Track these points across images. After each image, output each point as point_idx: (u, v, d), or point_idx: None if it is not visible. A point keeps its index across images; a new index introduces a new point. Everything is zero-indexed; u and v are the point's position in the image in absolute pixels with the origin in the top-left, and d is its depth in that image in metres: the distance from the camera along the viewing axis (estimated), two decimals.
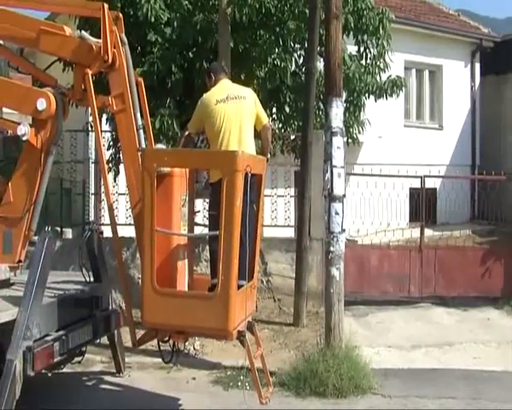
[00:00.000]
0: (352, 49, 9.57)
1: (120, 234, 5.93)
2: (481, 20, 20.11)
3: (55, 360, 5.23)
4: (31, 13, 5.89)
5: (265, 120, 5.66)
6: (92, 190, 10.83)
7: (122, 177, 7.31)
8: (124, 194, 7.46)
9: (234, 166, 4.67)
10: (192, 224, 5.63)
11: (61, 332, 5.28)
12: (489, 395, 6.06)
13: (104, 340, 6.44)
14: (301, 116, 8.82)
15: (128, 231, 6.66)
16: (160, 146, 6.25)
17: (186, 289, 5.32)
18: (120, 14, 5.60)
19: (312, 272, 8.74)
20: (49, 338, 5.11)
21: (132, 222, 5.50)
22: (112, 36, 5.34)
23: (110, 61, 5.33)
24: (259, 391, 5.17)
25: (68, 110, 5.88)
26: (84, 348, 6.15)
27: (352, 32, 9.18)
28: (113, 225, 5.55)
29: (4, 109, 6.73)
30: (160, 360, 5.86)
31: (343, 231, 6.56)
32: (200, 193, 5.74)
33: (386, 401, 5.95)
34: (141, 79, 6.00)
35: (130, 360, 6.73)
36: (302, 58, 9.39)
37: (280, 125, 9.48)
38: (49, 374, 6.17)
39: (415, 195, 10.71)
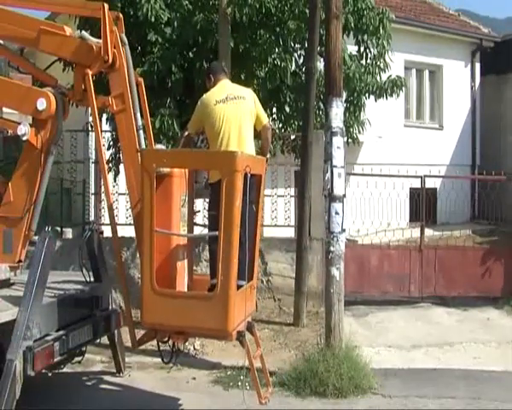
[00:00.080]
0: (352, 49, 9.57)
1: (120, 234, 5.94)
2: (481, 20, 20.11)
3: (55, 359, 5.23)
4: (31, 12, 5.89)
5: (265, 120, 5.66)
6: (92, 190, 10.83)
7: (122, 177, 7.31)
8: (124, 194, 7.45)
9: (233, 167, 4.67)
10: (192, 224, 5.63)
11: (61, 332, 5.28)
12: (489, 395, 6.05)
13: (104, 340, 6.44)
14: (301, 116, 8.82)
15: (128, 231, 6.66)
16: (160, 146, 6.25)
17: (185, 289, 5.32)
18: (120, 15, 5.60)
19: (312, 272, 8.75)
20: (49, 338, 5.11)
21: (132, 222, 5.50)
22: (112, 36, 5.34)
23: (110, 61, 5.33)
24: (259, 391, 5.18)
25: (68, 110, 5.88)
26: (84, 348, 6.14)
27: (352, 32, 9.18)
28: (113, 225, 5.56)
29: (4, 109, 6.72)
30: (160, 359, 5.85)
31: (343, 230, 6.55)
32: (200, 193, 5.74)
33: (387, 400, 5.95)
34: (141, 79, 6.01)
35: (130, 360, 6.73)
36: (302, 58, 9.39)
37: (280, 125, 9.48)
38: (49, 374, 6.18)
39: (415, 195, 10.70)
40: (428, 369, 6.90)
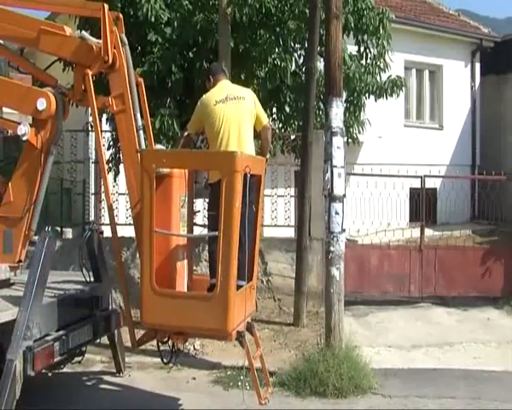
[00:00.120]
0: (352, 49, 9.57)
1: (120, 234, 5.94)
2: (481, 20, 20.11)
3: (55, 359, 5.23)
4: (31, 12, 5.89)
5: (265, 120, 5.66)
6: (92, 190, 10.83)
7: (122, 177, 7.31)
8: (124, 194, 7.46)
9: (233, 167, 4.67)
10: (191, 224, 5.63)
11: (61, 332, 5.28)
12: (489, 395, 6.05)
13: (104, 340, 6.44)
14: (301, 116, 8.82)
15: (128, 231, 6.66)
16: (160, 147, 6.25)
17: (185, 289, 5.32)
18: (120, 15, 5.60)
19: (312, 272, 8.75)
20: (49, 338, 5.11)
21: (132, 222, 5.50)
22: (112, 36, 5.34)
23: (110, 61, 5.33)
24: (258, 392, 5.19)
25: (68, 110, 5.88)
26: (84, 348, 6.15)
27: (352, 32, 9.18)
28: (113, 225, 5.55)
29: (4, 109, 6.72)
30: (160, 359, 5.86)
31: (343, 230, 6.55)
32: (200, 193, 5.74)
33: (386, 400, 5.95)
34: (141, 80, 6.01)
35: (130, 360, 6.73)
36: (302, 58, 9.38)
37: (280, 125, 9.48)
38: (49, 374, 6.18)
39: (415, 195, 10.70)
40: (428, 369, 6.89)
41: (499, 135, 16.49)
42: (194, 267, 6.77)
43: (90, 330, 5.78)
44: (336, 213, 6.48)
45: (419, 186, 10.13)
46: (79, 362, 6.37)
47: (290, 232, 9.71)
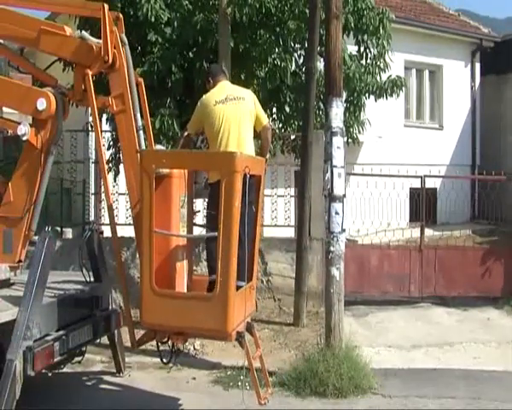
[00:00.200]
0: (352, 49, 9.57)
1: (120, 234, 5.94)
2: (481, 20, 20.11)
3: (55, 359, 5.23)
4: (31, 12, 5.89)
5: (265, 120, 5.67)
6: (92, 190, 10.83)
7: (122, 177, 7.31)
8: (124, 194, 7.46)
9: (232, 168, 4.67)
10: (191, 225, 5.63)
11: (61, 332, 5.28)
12: (489, 395, 6.05)
13: (104, 340, 6.44)
14: (301, 116, 8.82)
15: (128, 231, 6.66)
16: (160, 147, 6.25)
17: (185, 290, 5.32)
18: (120, 15, 5.60)
19: (312, 272, 8.75)
20: (49, 338, 5.11)
21: (132, 222, 5.50)
22: (112, 36, 5.34)
23: (110, 61, 5.33)
24: (258, 392, 5.18)
25: (68, 110, 5.88)
26: (84, 348, 6.15)
27: (352, 32, 9.18)
28: (113, 225, 5.55)
29: (4, 109, 6.73)
30: (160, 359, 5.85)
31: (343, 230, 6.55)
32: (200, 193, 5.74)
33: (387, 400, 5.95)
34: (141, 80, 6.01)
35: (130, 360, 6.73)
36: (302, 58, 9.38)
37: (280, 125, 9.48)
38: (49, 374, 6.18)
39: (415, 195, 10.70)
40: (428, 369, 6.89)
41: (499, 135, 16.49)
42: (194, 267, 6.77)
43: (90, 330, 5.78)
44: (336, 213, 6.48)
45: (419, 186, 10.13)
46: (79, 362, 6.37)
47: (290, 232, 9.71)
